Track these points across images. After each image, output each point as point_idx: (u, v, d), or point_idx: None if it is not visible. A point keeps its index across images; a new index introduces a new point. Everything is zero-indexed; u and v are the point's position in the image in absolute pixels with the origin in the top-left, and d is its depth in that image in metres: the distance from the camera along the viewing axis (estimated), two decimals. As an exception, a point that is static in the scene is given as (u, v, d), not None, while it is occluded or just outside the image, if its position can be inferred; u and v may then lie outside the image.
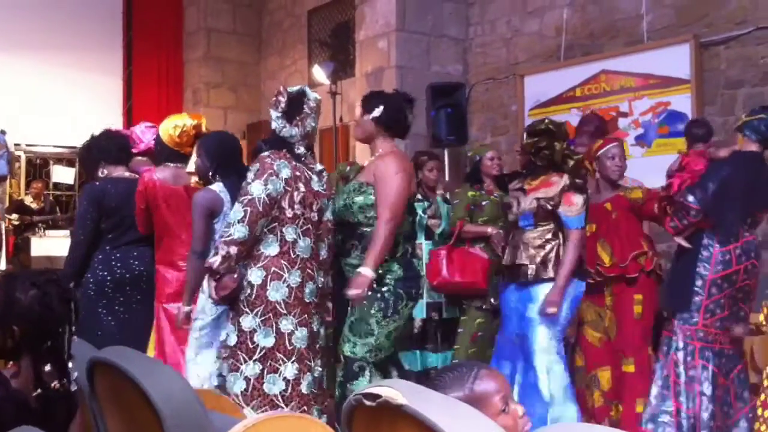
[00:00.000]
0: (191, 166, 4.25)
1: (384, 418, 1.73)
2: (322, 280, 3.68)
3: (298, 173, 3.56)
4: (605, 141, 4.55)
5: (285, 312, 3.45)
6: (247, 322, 3.46)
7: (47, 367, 2.18)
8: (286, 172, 3.50)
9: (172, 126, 4.41)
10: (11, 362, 2.18)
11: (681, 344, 3.99)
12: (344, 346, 3.72)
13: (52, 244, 9.80)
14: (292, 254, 3.50)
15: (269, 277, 3.46)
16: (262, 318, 3.44)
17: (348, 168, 5.49)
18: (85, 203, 4.56)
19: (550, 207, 4.03)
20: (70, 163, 11.71)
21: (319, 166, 3.77)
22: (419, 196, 5.49)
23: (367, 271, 3.54)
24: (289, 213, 3.49)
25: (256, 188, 3.41)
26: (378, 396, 1.69)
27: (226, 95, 11.87)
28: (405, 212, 3.74)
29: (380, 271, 3.66)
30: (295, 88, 3.70)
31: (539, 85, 8.32)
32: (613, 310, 4.36)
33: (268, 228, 3.48)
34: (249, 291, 3.46)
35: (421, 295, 3.94)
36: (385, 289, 3.68)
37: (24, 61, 11.04)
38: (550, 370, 3.97)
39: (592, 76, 7.77)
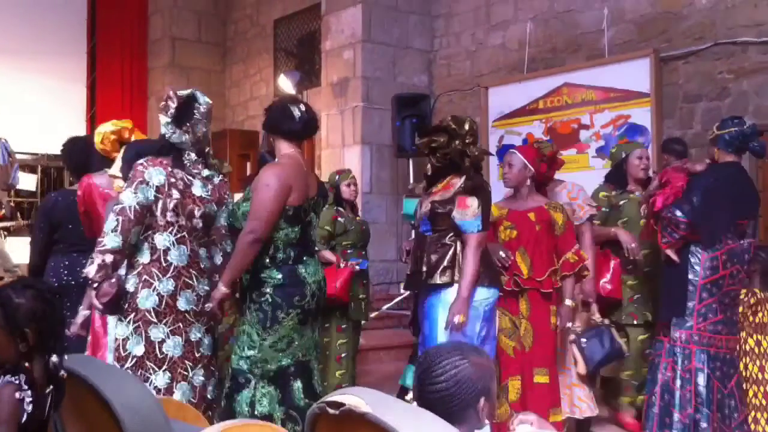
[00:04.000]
0: (114, 169, 4.25)
1: (347, 425, 1.75)
2: (206, 288, 3.55)
3: (173, 180, 3.44)
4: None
5: (155, 320, 3.38)
6: (121, 329, 3.42)
7: (54, 358, 2.21)
8: (158, 180, 3.40)
9: (96, 134, 4.49)
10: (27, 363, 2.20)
11: (678, 348, 4.09)
12: (232, 357, 3.62)
13: (13, 251, 9.65)
14: (163, 262, 3.41)
15: (140, 285, 3.39)
16: (134, 326, 3.38)
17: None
18: (39, 214, 4.76)
19: (442, 210, 3.80)
20: (32, 169, 11.54)
21: (206, 172, 3.61)
22: None
23: (220, 287, 3.47)
24: (161, 221, 3.41)
25: (127, 197, 3.34)
26: (341, 404, 1.70)
27: (191, 103, 11.81)
28: (273, 223, 3.49)
29: (262, 276, 3.54)
30: (185, 92, 3.57)
31: (503, 97, 8.41)
32: (528, 320, 4.16)
33: (143, 236, 3.43)
34: (125, 299, 3.42)
35: (309, 302, 3.57)
36: (263, 299, 3.52)
37: (-14, 67, 10.92)
38: None
39: (555, 88, 7.88)
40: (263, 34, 11.67)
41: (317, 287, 3.64)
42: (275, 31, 11.44)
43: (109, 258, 3.29)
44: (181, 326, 3.44)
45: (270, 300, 3.51)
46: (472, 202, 3.77)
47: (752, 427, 4.17)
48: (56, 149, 5.16)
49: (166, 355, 3.39)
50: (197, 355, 3.51)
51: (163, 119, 3.50)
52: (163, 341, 3.39)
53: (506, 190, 4.52)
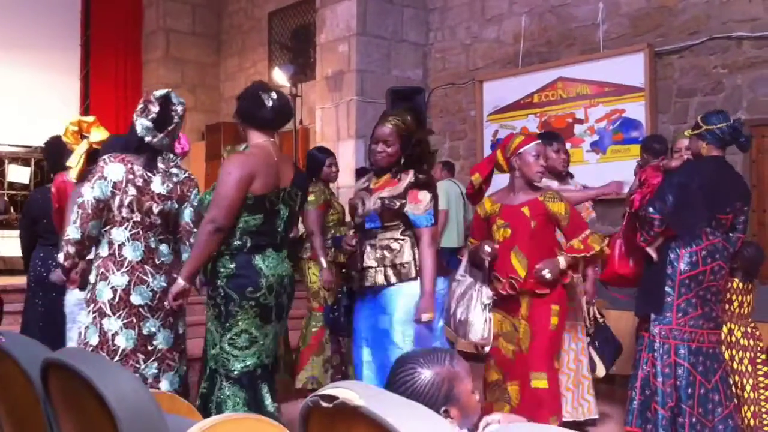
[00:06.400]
0: (72, 161, 4.27)
1: (340, 419, 1.75)
2: (163, 284, 3.54)
3: (131, 176, 3.47)
4: (527, 138, 4.30)
5: (109, 313, 3.46)
6: (83, 318, 3.56)
7: None
8: (116, 176, 3.45)
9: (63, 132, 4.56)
10: None
11: (657, 344, 4.09)
12: (207, 357, 3.59)
13: (5, 244, 9.64)
14: (118, 256, 3.48)
15: (98, 277, 3.49)
16: (92, 316, 3.50)
17: None
18: (22, 211, 5.23)
19: (396, 206, 3.70)
20: (25, 162, 11.54)
21: (174, 170, 3.61)
22: None
23: (179, 281, 3.48)
24: (117, 216, 3.48)
25: (86, 191, 3.45)
26: (335, 397, 1.70)
27: (185, 96, 11.66)
28: (235, 211, 3.39)
29: (217, 266, 3.47)
30: (161, 93, 3.54)
31: (497, 91, 8.41)
32: (528, 321, 4.08)
33: (104, 230, 3.51)
34: (87, 289, 3.55)
35: (264, 295, 3.44)
36: (217, 292, 3.46)
37: (-21, 59, 10.89)
38: None
39: (549, 82, 7.88)
40: (258, 27, 11.64)
41: (277, 282, 3.51)
42: (270, 24, 11.41)
43: (71, 248, 3.47)
44: (135, 320, 3.50)
45: (223, 293, 3.44)
46: (425, 197, 3.71)
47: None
48: (50, 143, 5.23)
49: (118, 347, 3.46)
50: (149, 348, 3.54)
51: (144, 122, 3.49)
52: (116, 334, 3.47)
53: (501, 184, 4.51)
